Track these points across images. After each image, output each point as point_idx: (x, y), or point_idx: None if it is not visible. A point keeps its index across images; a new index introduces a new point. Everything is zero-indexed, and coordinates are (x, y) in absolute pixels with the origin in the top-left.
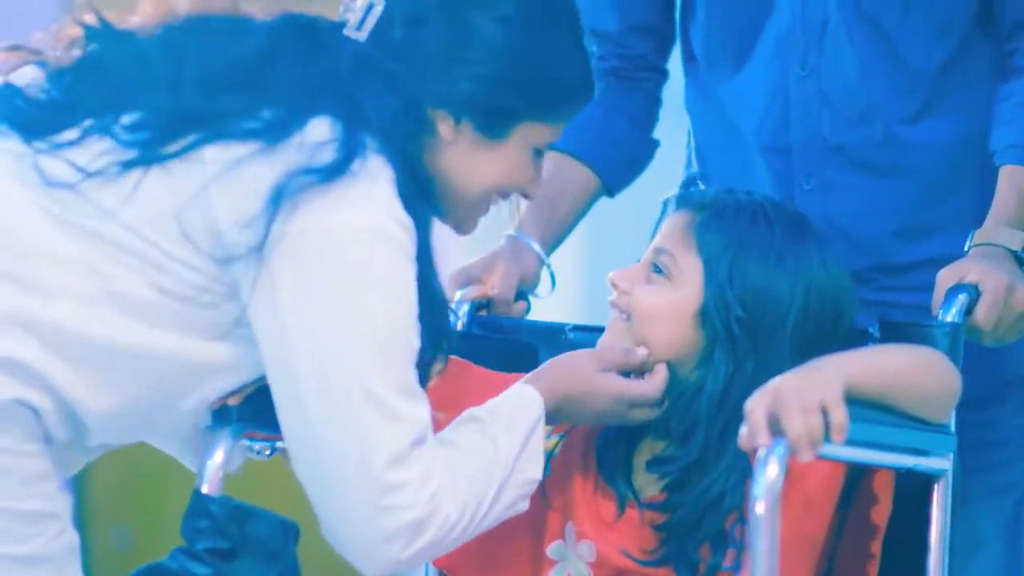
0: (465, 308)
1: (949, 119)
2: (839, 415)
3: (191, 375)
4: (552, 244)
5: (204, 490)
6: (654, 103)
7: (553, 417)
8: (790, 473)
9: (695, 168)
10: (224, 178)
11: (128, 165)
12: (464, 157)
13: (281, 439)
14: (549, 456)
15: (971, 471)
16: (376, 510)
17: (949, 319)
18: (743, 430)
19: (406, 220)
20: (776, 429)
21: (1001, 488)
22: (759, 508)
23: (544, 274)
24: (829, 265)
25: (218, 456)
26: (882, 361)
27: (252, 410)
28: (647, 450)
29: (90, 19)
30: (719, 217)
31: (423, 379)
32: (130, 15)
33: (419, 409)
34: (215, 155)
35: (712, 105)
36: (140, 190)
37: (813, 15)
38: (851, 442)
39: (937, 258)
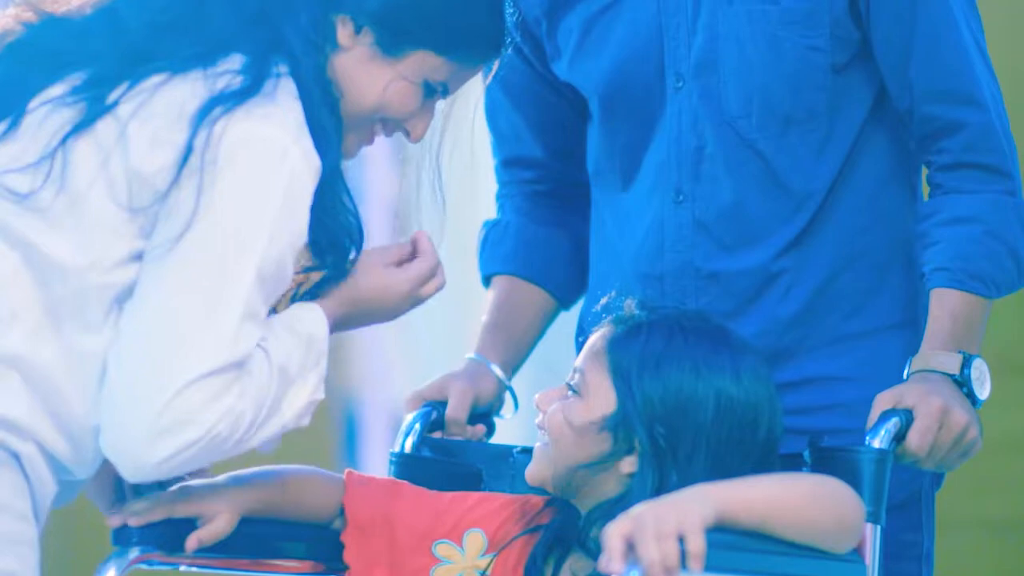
0: (416, 429)
1: (833, 238)
2: (696, 542)
3: None
4: (512, 365)
5: None
6: None
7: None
8: None
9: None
10: (139, 112)
11: (74, 131)
12: (355, 67)
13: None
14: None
15: None
16: (163, 409)
17: (877, 444)
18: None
19: (313, 156)
20: (634, 555)
21: None
22: None
23: (507, 395)
24: (743, 376)
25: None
26: (760, 489)
27: (152, 532)
28: (575, 565)
29: (26, 13)
30: (635, 332)
31: (340, 276)
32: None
33: (252, 340)
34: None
35: (598, 227)
36: (70, 160)
37: (687, 142)
38: (717, 569)
39: (807, 380)
